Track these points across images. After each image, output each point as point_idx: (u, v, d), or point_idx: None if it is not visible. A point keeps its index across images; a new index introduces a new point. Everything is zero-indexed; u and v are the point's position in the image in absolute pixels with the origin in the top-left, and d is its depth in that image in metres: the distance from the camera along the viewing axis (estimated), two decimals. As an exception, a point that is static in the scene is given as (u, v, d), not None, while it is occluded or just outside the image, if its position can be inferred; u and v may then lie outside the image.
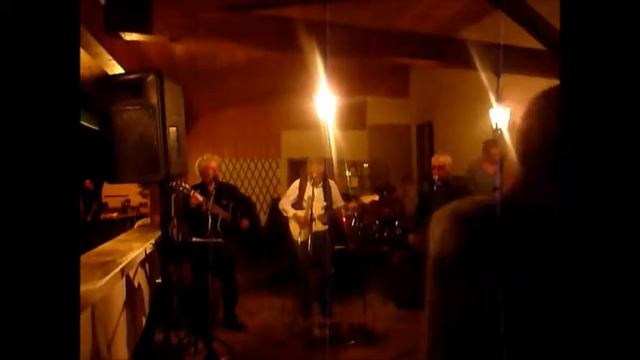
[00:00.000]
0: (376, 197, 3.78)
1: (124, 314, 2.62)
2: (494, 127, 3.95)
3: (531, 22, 3.24)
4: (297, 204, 3.83)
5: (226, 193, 3.46)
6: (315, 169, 3.72)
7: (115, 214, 7.34)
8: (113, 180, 1.67)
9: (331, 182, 3.88)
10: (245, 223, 3.49)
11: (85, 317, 1.86)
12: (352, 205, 3.93)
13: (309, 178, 3.79)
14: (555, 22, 3.20)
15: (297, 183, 3.92)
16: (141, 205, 7.82)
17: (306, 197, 3.74)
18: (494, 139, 3.95)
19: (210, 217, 3.17)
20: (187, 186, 3.18)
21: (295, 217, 3.76)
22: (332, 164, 5.17)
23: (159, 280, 3.52)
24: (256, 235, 3.83)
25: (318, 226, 3.73)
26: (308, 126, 5.45)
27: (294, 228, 3.80)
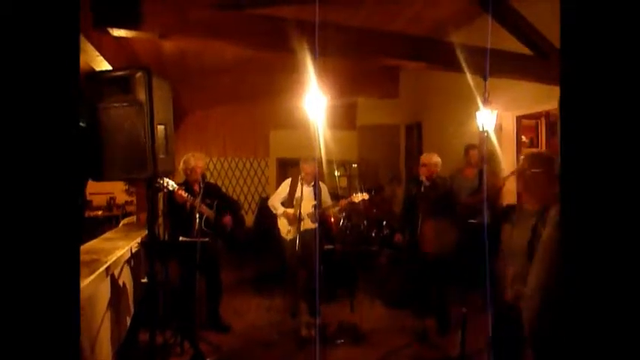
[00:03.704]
0: (366, 196, 3.80)
1: (109, 314, 2.59)
2: (480, 128, 4.01)
3: (518, 27, 3.30)
4: (288, 202, 3.83)
5: (211, 192, 3.44)
6: (306, 168, 3.73)
7: (100, 212, 7.22)
8: (100, 178, 1.64)
9: (322, 184, 3.90)
10: (227, 219, 3.47)
11: (68, 317, 1.82)
12: (342, 203, 3.95)
13: (300, 177, 3.79)
14: (540, 26, 3.27)
15: (288, 181, 3.92)
16: (126, 203, 7.71)
17: (296, 196, 3.74)
18: (472, 144, 4.12)
19: (197, 215, 3.14)
20: (172, 183, 3.14)
21: (285, 214, 3.76)
22: (322, 164, 5.18)
23: (144, 280, 3.48)
24: (241, 234, 3.80)
25: (307, 225, 3.74)
26: (297, 126, 5.45)
27: (283, 226, 3.80)
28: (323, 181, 4.11)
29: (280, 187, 3.93)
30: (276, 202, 3.85)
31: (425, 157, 3.59)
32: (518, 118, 4.48)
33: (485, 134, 3.68)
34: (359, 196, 3.80)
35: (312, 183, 3.79)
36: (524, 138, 4.71)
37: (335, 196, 4.21)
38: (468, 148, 4.12)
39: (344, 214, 4.82)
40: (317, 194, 3.79)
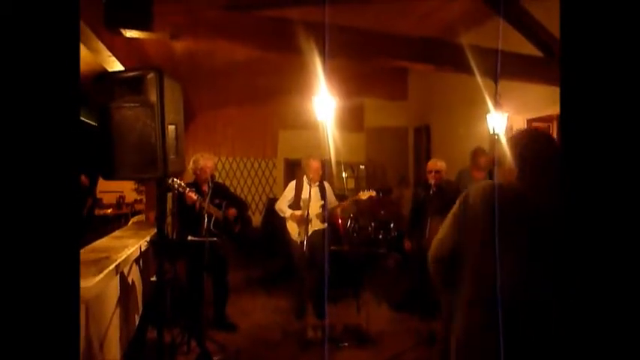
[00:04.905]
0: (373, 193, 3.79)
1: (118, 312, 2.61)
2: (491, 132, 3.98)
3: (529, 29, 3.26)
4: (294, 204, 3.83)
5: (219, 192, 3.45)
6: (312, 165, 3.73)
7: (109, 210, 7.31)
8: (111, 177, 1.66)
9: (326, 184, 3.90)
10: (232, 211, 3.47)
11: (78, 314, 1.84)
12: (350, 201, 3.94)
13: (305, 177, 3.80)
14: (552, 27, 3.23)
15: (293, 184, 3.93)
16: (135, 201, 7.79)
17: (303, 197, 3.74)
18: (481, 148, 4.04)
19: (206, 216, 3.16)
20: (182, 184, 3.16)
21: (293, 216, 3.77)
22: (330, 165, 5.18)
23: (153, 278, 3.51)
24: (248, 235, 3.82)
25: (315, 226, 3.74)
26: (306, 127, 5.46)
27: (293, 228, 3.80)
28: (332, 183, 4.10)
29: (286, 190, 3.94)
30: (283, 205, 3.85)
31: (430, 164, 3.61)
32: (529, 121, 4.43)
33: (496, 137, 3.65)
34: (366, 194, 3.79)
35: (318, 183, 3.80)
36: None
37: (342, 198, 4.21)
38: (477, 154, 4.03)
39: (351, 215, 4.81)
40: (323, 193, 3.80)
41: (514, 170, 1.30)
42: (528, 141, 1.28)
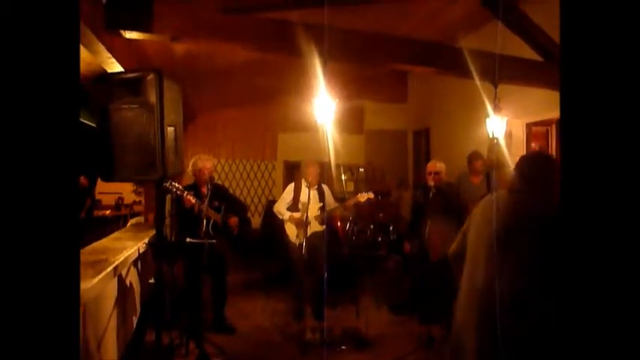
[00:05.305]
0: (371, 195, 3.80)
1: (115, 314, 2.60)
2: (490, 135, 3.98)
3: (528, 33, 3.27)
4: (293, 207, 3.83)
5: (219, 194, 3.44)
6: (310, 171, 3.73)
7: (107, 212, 7.28)
8: (110, 179, 1.66)
9: (324, 186, 3.90)
10: (234, 220, 3.46)
11: (76, 316, 1.83)
12: (348, 203, 3.95)
13: (304, 180, 3.79)
14: (551, 32, 3.24)
15: (292, 186, 3.92)
16: (134, 203, 7.77)
17: (301, 200, 3.74)
18: (477, 152, 4.05)
19: (205, 218, 3.15)
20: (180, 187, 3.15)
21: (291, 219, 3.76)
22: (330, 168, 5.18)
23: (152, 281, 3.50)
24: (247, 236, 3.81)
25: (314, 228, 3.74)
26: (305, 129, 5.45)
27: (292, 230, 3.80)
28: (331, 185, 4.10)
29: (284, 192, 3.94)
30: (281, 207, 3.85)
31: (430, 166, 3.61)
32: (529, 125, 4.44)
33: (495, 141, 3.65)
34: (364, 195, 3.80)
35: (316, 185, 3.80)
36: (534, 145, 4.66)
37: (341, 200, 4.21)
38: (472, 158, 4.05)
39: (350, 218, 4.80)
40: (322, 196, 3.80)
41: (510, 174, 1.45)
42: (528, 162, 1.54)
